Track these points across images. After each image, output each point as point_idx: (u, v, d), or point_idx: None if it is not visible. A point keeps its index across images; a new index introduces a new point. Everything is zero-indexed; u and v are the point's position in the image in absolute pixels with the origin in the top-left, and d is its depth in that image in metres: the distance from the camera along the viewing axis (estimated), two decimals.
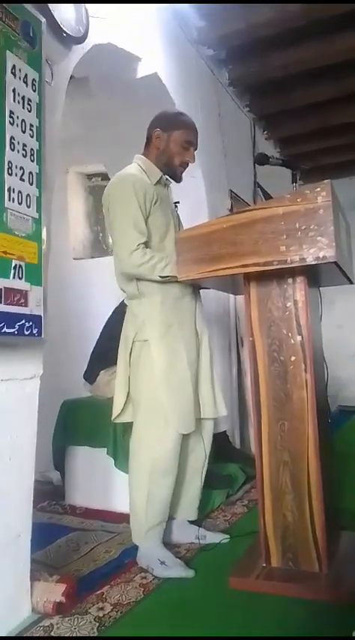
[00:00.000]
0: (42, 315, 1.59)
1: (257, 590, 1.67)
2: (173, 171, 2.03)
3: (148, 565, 1.83)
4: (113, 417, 2.03)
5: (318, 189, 1.54)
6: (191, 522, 2.15)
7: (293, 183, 2.10)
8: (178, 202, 2.15)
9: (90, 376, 2.78)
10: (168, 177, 2.05)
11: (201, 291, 2.12)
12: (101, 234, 4.11)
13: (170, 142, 1.99)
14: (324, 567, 1.67)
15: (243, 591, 1.67)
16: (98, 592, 1.71)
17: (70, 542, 2.18)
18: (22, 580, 1.57)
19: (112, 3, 2.36)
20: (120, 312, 2.67)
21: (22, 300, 1.51)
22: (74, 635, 1.47)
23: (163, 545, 1.92)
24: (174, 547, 2.02)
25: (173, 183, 2.12)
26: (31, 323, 1.53)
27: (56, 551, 2.08)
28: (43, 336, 1.59)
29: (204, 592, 1.71)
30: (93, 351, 2.85)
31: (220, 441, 3.06)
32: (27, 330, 1.52)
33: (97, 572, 1.87)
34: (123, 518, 2.31)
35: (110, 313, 2.83)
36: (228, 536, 2.10)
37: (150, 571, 1.81)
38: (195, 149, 2.05)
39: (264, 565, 1.75)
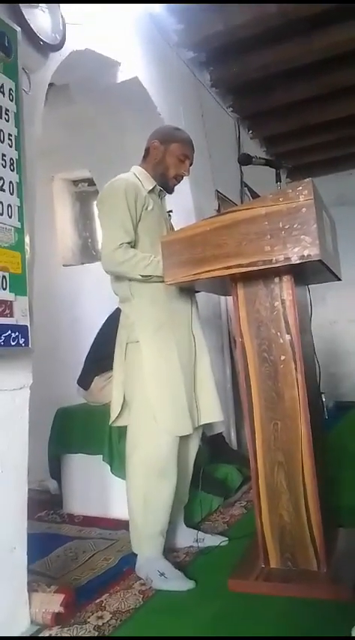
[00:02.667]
0: (28, 325, 1.58)
1: (256, 592, 1.66)
2: (167, 183, 2.06)
3: (147, 576, 1.80)
4: (110, 421, 2.02)
5: (300, 188, 1.54)
6: (189, 526, 2.15)
7: (277, 182, 2.10)
8: (171, 211, 2.18)
9: (85, 382, 2.77)
10: (161, 188, 2.07)
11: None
12: (90, 240, 4.10)
13: (167, 154, 2.03)
14: (323, 566, 1.67)
15: (243, 593, 1.67)
16: (97, 601, 1.70)
17: (68, 551, 2.17)
18: (20, 592, 1.56)
19: (93, 3, 2.36)
20: (115, 318, 2.66)
21: (7, 311, 1.49)
22: None
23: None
24: (173, 551, 2.02)
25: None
26: (17, 333, 1.52)
27: (55, 561, 2.07)
28: (30, 345, 1.58)
29: (203, 596, 1.70)
30: (87, 357, 2.83)
31: (217, 442, 3.05)
32: (13, 341, 1.51)
33: (96, 580, 1.87)
34: (122, 524, 2.30)
35: (105, 318, 2.82)
36: (227, 538, 2.10)
37: (148, 582, 1.78)
38: (191, 164, 2.09)
39: (263, 566, 1.74)
